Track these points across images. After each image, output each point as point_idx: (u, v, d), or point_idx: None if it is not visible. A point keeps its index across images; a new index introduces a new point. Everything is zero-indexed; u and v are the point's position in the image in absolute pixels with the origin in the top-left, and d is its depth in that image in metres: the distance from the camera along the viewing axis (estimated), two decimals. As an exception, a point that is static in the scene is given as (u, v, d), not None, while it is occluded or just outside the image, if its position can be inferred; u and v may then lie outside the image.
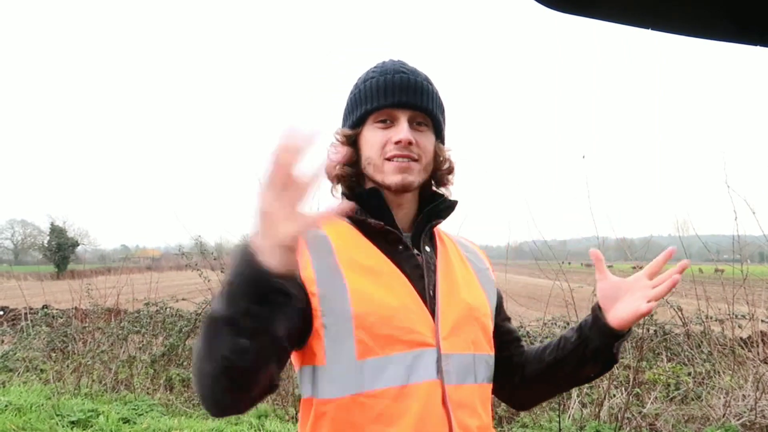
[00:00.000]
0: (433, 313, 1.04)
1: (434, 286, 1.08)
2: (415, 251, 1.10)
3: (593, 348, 1.09)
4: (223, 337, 0.81)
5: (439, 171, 1.15)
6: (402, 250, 1.08)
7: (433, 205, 1.13)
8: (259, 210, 0.78)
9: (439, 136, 1.15)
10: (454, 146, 1.18)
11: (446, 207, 1.16)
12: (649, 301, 1.03)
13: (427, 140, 1.10)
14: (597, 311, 1.10)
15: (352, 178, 1.12)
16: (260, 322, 0.82)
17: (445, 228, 1.25)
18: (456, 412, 1.00)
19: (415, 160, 1.08)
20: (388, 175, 1.07)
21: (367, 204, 1.10)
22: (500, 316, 1.22)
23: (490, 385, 1.13)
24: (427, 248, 1.12)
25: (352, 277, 1.00)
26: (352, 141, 1.12)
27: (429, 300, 1.05)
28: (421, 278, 1.07)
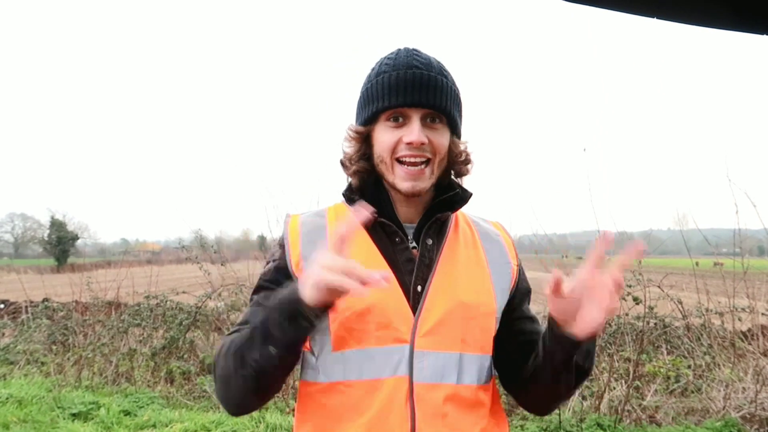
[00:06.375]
0: (416, 309, 1.03)
1: (425, 281, 1.06)
2: (413, 244, 1.10)
3: (560, 360, 1.00)
4: (256, 344, 0.94)
5: (456, 164, 1.14)
6: (399, 243, 1.09)
7: (441, 199, 1.12)
8: (317, 260, 0.89)
9: (455, 130, 1.12)
10: (471, 137, 1.16)
11: (459, 200, 1.14)
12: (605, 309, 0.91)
13: (441, 137, 1.08)
14: (552, 322, 0.99)
15: (365, 172, 1.13)
16: (286, 336, 0.93)
17: (472, 212, 1.22)
18: (423, 410, 0.99)
19: (427, 162, 1.06)
20: (399, 180, 1.07)
21: (370, 196, 1.12)
22: (514, 314, 1.15)
23: (484, 386, 1.09)
24: (429, 241, 1.10)
25: None
26: (365, 137, 1.12)
27: (413, 296, 1.04)
28: (411, 273, 1.06)
